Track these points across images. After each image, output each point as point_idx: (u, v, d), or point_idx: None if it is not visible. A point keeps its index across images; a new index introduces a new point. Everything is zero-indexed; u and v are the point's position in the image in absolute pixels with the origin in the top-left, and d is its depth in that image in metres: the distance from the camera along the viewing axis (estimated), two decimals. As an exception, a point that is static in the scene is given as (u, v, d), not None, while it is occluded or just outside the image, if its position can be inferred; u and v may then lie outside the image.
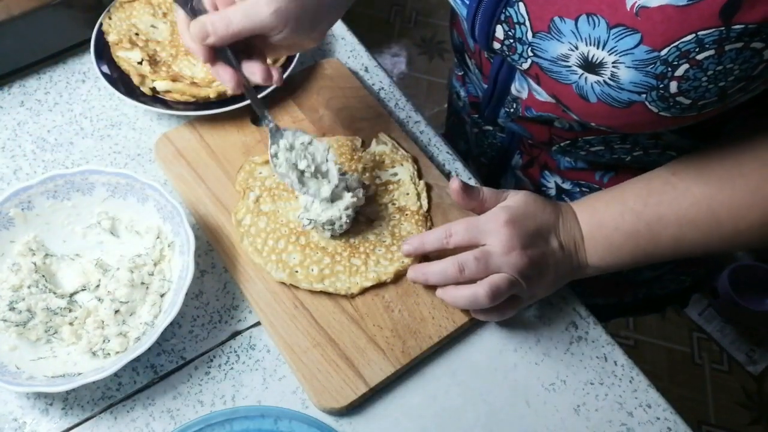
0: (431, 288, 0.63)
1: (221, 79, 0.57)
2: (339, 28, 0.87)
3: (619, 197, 0.60)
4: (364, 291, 0.63)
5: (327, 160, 0.64)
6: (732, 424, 1.67)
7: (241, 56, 0.57)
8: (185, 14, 0.55)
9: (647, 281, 0.86)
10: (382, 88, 0.82)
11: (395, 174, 0.71)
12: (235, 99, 0.73)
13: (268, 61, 0.60)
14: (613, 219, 0.59)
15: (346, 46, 0.86)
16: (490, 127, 0.72)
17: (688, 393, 1.71)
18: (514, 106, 0.65)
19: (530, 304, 0.63)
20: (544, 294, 0.62)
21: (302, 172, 0.63)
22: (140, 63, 0.76)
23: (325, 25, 0.61)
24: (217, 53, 0.56)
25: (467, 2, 0.55)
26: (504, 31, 0.53)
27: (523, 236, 0.58)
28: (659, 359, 1.76)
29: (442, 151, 0.77)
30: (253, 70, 0.57)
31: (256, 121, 0.75)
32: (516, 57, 0.54)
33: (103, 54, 0.76)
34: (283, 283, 0.63)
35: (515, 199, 0.62)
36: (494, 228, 0.58)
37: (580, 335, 0.65)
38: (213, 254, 0.67)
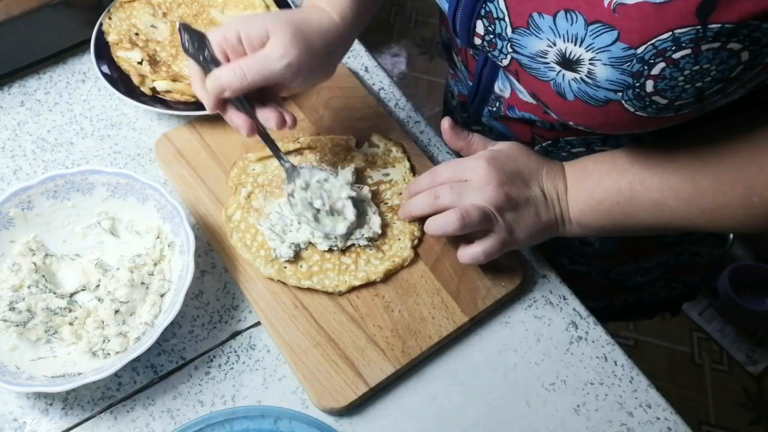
0: (431, 288, 0.64)
1: (234, 125, 0.58)
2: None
3: (610, 156, 0.61)
4: (354, 289, 0.63)
5: (342, 197, 0.65)
6: (732, 424, 1.67)
7: (253, 100, 0.59)
8: (198, 66, 0.57)
9: (637, 286, 0.86)
10: (382, 88, 0.82)
11: (387, 174, 0.71)
12: (235, 99, 0.73)
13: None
14: (599, 174, 0.60)
15: (346, 46, 0.86)
16: (478, 127, 0.72)
17: (688, 393, 1.71)
18: (497, 104, 0.66)
19: (513, 248, 0.62)
20: (525, 238, 0.61)
21: (318, 210, 0.64)
22: (140, 63, 0.76)
23: (335, 64, 0.63)
24: (226, 101, 0.58)
25: None
26: (484, 26, 0.54)
27: (501, 173, 0.60)
28: (659, 359, 1.76)
29: (442, 151, 0.77)
30: (268, 116, 0.59)
31: (256, 121, 0.75)
32: (496, 53, 0.54)
33: (103, 54, 0.76)
34: (283, 283, 0.63)
35: (501, 143, 0.65)
36: (474, 164, 0.61)
37: (580, 335, 0.65)
38: (213, 254, 0.67)
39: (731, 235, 0.92)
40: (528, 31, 0.49)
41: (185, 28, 0.57)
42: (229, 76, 0.55)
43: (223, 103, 0.58)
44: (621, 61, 0.44)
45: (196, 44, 0.57)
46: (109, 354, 0.59)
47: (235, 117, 0.58)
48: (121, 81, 0.75)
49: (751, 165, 0.53)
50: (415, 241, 0.66)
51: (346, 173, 0.68)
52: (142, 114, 0.77)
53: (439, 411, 0.60)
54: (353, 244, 0.65)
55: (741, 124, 0.54)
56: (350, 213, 0.64)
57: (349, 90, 0.78)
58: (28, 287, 0.60)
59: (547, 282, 0.68)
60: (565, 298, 0.67)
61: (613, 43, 0.44)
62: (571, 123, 0.53)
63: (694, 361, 1.77)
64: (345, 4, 0.62)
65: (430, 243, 0.67)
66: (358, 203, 0.66)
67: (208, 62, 0.56)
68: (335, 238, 0.64)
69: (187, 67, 0.58)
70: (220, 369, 0.61)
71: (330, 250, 0.65)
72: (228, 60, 0.57)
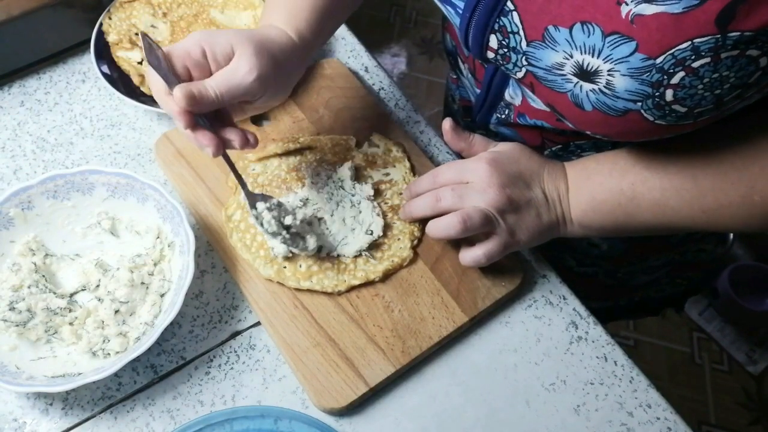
0: (431, 288, 0.64)
1: (200, 145, 0.55)
2: (339, 28, 0.87)
3: (611, 157, 0.60)
4: (353, 289, 0.63)
5: (299, 216, 0.64)
6: (732, 424, 1.67)
7: (213, 121, 0.57)
8: (162, 80, 0.54)
9: (643, 285, 0.86)
10: (382, 88, 0.82)
11: (387, 174, 0.71)
12: (235, 99, 0.73)
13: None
14: (601, 174, 0.60)
15: (346, 46, 0.86)
16: (484, 132, 0.73)
17: (688, 393, 1.71)
18: (507, 112, 0.66)
19: (515, 250, 0.62)
20: (527, 239, 0.61)
21: (288, 228, 0.63)
22: (140, 63, 0.76)
23: (293, 84, 0.62)
24: (195, 118, 0.55)
25: (460, 12, 0.55)
26: (498, 40, 0.53)
27: (502, 175, 0.61)
28: (659, 359, 1.76)
29: (442, 151, 0.77)
30: (231, 137, 0.56)
31: (257, 120, 0.75)
32: (510, 66, 0.54)
33: (103, 54, 0.76)
34: (280, 283, 0.63)
35: (503, 144, 0.65)
36: (476, 166, 0.62)
37: (580, 335, 0.65)
38: (213, 254, 0.67)
39: (731, 234, 0.92)
40: (543, 44, 0.49)
41: (146, 39, 0.55)
42: (201, 91, 0.53)
43: (193, 122, 0.55)
44: (640, 71, 0.44)
45: (157, 57, 0.54)
46: (109, 354, 0.59)
47: (202, 137, 0.54)
48: (121, 81, 0.75)
49: (752, 165, 0.53)
50: (415, 242, 0.66)
51: (344, 170, 0.68)
52: (142, 114, 0.77)
53: (439, 411, 0.60)
54: (360, 253, 0.65)
55: (742, 125, 0.54)
56: (316, 227, 0.65)
57: (349, 90, 0.78)
58: (28, 287, 0.60)
59: (547, 282, 0.68)
60: (565, 298, 0.67)
61: (631, 53, 0.44)
62: (588, 132, 0.53)
63: (694, 361, 1.77)
64: (302, 25, 0.61)
65: (430, 243, 0.67)
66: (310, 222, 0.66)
67: (169, 78, 0.54)
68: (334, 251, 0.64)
69: (149, 80, 0.56)
70: (220, 369, 0.61)
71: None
72: (189, 76, 0.55)
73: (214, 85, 0.54)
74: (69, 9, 0.77)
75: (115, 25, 0.78)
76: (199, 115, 0.55)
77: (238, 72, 0.54)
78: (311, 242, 0.63)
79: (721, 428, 1.66)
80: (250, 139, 0.57)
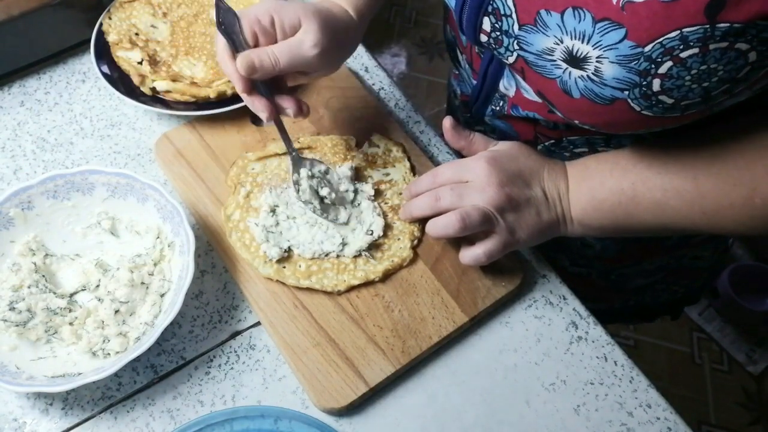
0: (431, 288, 0.64)
1: (255, 109, 0.60)
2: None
3: (612, 156, 0.61)
4: (353, 289, 0.63)
5: (341, 188, 0.67)
6: (732, 424, 1.67)
7: (269, 85, 0.61)
8: (226, 43, 0.58)
9: (638, 289, 0.86)
10: (382, 88, 0.82)
11: (387, 174, 0.71)
12: (235, 99, 0.73)
13: None
14: (601, 173, 0.60)
15: (346, 46, 0.86)
16: (481, 127, 0.73)
17: (688, 393, 1.71)
18: (501, 103, 0.66)
19: (515, 249, 0.62)
20: (527, 238, 0.62)
21: (322, 199, 0.66)
22: (140, 63, 0.76)
23: (345, 59, 0.67)
24: (253, 83, 0.59)
25: None
26: (491, 23, 0.54)
27: (501, 174, 0.61)
28: (659, 359, 1.76)
29: (442, 151, 0.77)
30: (286, 105, 0.61)
31: (256, 121, 0.75)
32: (502, 50, 0.54)
33: (103, 54, 0.76)
34: (282, 283, 0.63)
35: (503, 143, 0.65)
36: (475, 165, 0.62)
37: (580, 335, 0.65)
38: (213, 254, 0.67)
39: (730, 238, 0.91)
40: (535, 28, 0.49)
41: (220, 2, 0.59)
42: (262, 59, 0.57)
43: (250, 86, 0.59)
44: (628, 59, 0.44)
45: (229, 21, 0.58)
46: (109, 354, 0.59)
47: (257, 101, 0.60)
48: (121, 81, 0.75)
49: (754, 166, 0.52)
50: (415, 242, 0.66)
51: (344, 170, 0.69)
52: (142, 114, 0.77)
53: (439, 411, 0.60)
54: (360, 253, 0.65)
55: (745, 125, 0.54)
56: (349, 201, 0.67)
57: (349, 90, 0.78)
58: (28, 287, 0.60)
59: (547, 282, 0.68)
60: (565, 298, 0.67)
61: (620, 41, 0.44)
62: (576, 122, 0.53)
63: (694, 361, 1.77)
64: (360, 2, 0.65)
65: (430, 243, 0.67)
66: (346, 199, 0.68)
67: (237, 41, 0.58)
68: (341, 246, 0.65)
69: (215, 42, 0.60)
70: (220, 369, 0.61)
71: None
72: (256, 41, 0.59)
73: (277, 53, 0.58)
74: (69, 9, 0.77)
75: (115, 25, 0.78)
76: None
77: (303, 45, 0.58)
78: (343, 215, 0.66)
79: (721, 428, 1.66)
80: (303, 108, 0.62)
